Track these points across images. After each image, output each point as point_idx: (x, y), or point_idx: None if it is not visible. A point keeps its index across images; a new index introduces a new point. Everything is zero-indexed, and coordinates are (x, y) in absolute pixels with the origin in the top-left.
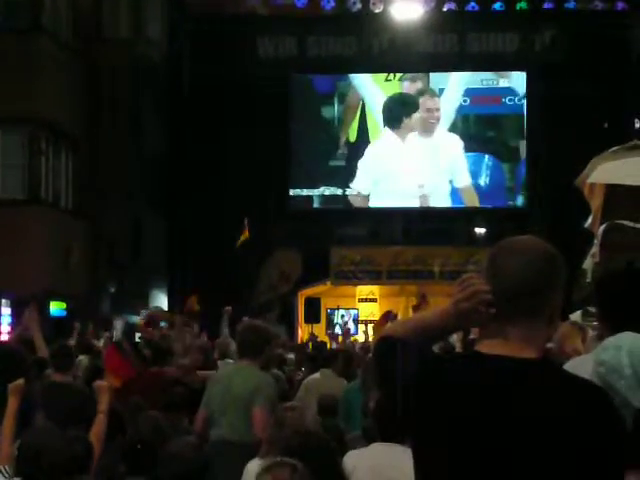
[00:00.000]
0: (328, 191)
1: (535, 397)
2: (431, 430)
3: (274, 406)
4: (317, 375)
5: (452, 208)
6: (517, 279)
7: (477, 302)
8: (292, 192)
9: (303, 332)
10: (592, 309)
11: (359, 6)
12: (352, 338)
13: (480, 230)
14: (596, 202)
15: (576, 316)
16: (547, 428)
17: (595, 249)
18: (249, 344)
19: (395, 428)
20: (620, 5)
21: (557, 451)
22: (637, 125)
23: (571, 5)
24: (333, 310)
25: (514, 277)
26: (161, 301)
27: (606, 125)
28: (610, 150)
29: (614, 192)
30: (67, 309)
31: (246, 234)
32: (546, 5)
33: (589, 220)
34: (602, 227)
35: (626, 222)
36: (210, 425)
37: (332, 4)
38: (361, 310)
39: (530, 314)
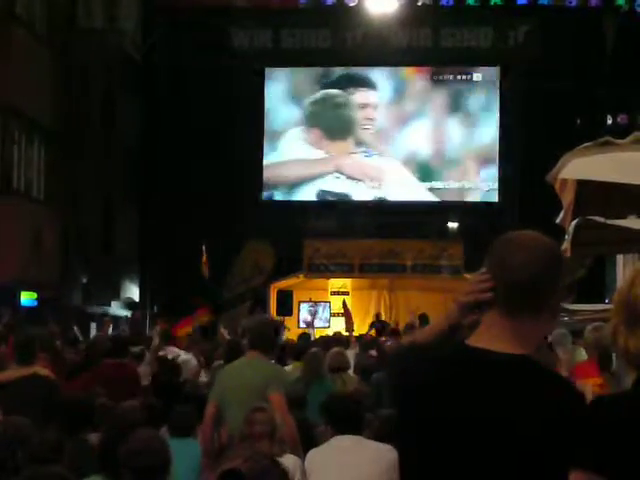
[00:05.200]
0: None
1: (510, 393)
2: (411, 428)
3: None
4: (289, 367)
5: (425, 202)
6: (525, 274)
7: (477, 291)
8: (265, 185)
9: None
10: (564, 304)
11: None
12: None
13: (453, 224)
14: (568, 198)
15: None
16: (518, 423)
17: (566, 245)
18: (260, 337)
19: (350, 420)
20: (594, 1)
21: (523, 448)
22: (609, 121)
23: (545, 1)
24: (305, 303)
25: (522, 272)
26: (132, 292)
27: (579, 121)
28: (582, 146)
29: (586, 188)
30: (38, 299)
31: (205, 261)
32: (520, 1)
33: (560, 215)
34: (573, 223)
35: (597, 218)
36: (220, 419)
37: None
38: (333, 303)
39: (531, 310)
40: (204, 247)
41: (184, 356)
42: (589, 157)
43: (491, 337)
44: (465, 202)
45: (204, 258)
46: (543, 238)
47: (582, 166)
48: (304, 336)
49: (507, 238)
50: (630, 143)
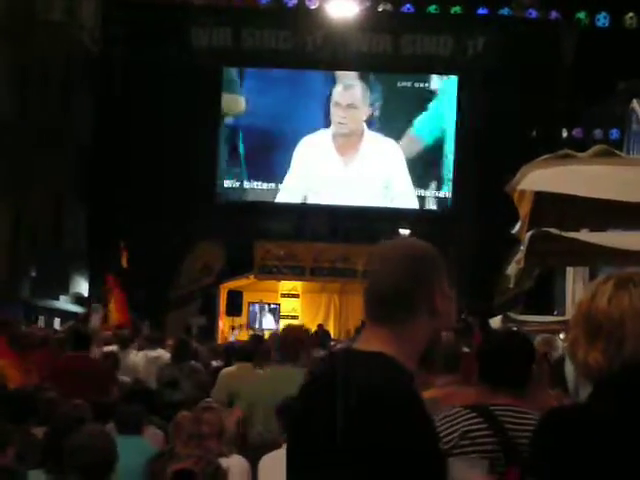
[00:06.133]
0: (256, 184)
1: (338, 388)
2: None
3: None
4: (233, 368)
5: (378, 208)
6: (380, 284)
7: None
8: (219, 184)
9: (224, 324)
10: (513, 315)
11: (295, 1)
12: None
13: (405, 231)
14: (525, 209)
15: (496, 321)
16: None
17: (520, 255)
18: (291, 347)
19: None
20: (554, 14)
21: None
22: (564, 134)
23: (505, 12)
24: (255, 304)
25: (378, 283)
26: (82, 286)
27: (534, 133)
28: (542, 158)
29: (543, 200)
30: None
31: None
32: (480, 10)
33: (517, 226)
34: (529, 234)
35: (552, 230)
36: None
37: None
38: (283, 305)
39: (398, 318)
40: (122, 244)
41: (153, 353)
42: (548, 169)
43: (365, 340)
44: (419, 209)
45: (124, 256)
46: (404, 246)
47: (541, 178)
48: (255, 337)
49: (374, 251)
50: (590, 157)
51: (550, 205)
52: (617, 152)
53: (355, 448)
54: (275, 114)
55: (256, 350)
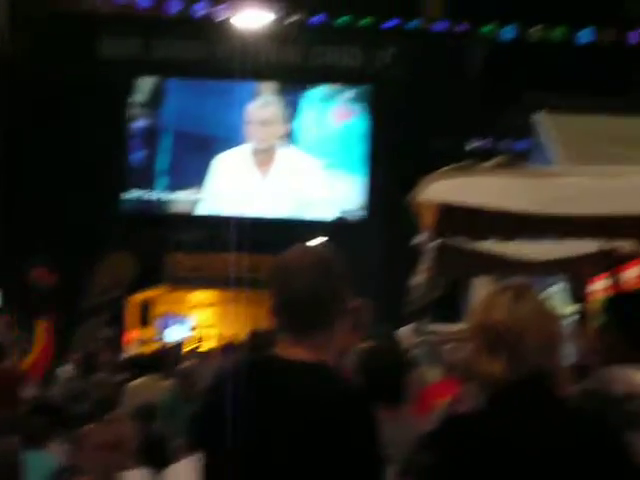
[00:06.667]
0: (164, 195)
1: (275, 396)
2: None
3: None
4: (141, 380)
5: (290, 219)
6: (298, 295)
7: None
8: (127, 195)
9: (132, 336)
10: (422, 325)
11: (204, 12)
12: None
13: (319, 240)
14: (427, 220)
15: (406, 330)
16: (288, 426)
17: (424, 266)
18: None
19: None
20: (461, 26)
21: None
22: (471, 145)
23: (414, 24)
24: (165, 316)
25: (294, 292)
26: None
27: (441, 144)
28: (444, 169)
29: (446, 211)
30: None
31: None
32: (389, 23)
33: (419, 237)
34: (432, 244)
35: (456, 240)
36: None
37: (178, 7)
38: (194, 317)
39: (318, 323)
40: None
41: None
42: (451, 180)
43: (287, 350)
44: (329, 220)
45: (35, 273)
46: (314, 254)
47: (443, 189)
48: (161, 349)
49: (280, 260)
50: (492, 167)
51: (453, 216)
52: (519, 163)
53: (320, 458)
54: (193, 125)
55: (163, 361)
